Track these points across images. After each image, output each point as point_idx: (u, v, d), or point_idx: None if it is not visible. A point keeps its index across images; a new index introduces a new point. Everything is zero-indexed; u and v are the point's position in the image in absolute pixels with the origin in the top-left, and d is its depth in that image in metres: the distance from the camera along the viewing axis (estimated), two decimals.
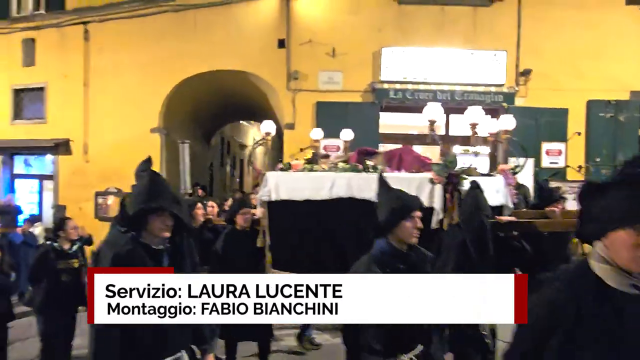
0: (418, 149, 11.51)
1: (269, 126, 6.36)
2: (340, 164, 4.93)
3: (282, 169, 5.24)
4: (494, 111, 10.95)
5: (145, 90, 11.28)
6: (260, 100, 12.57)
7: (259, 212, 5.22)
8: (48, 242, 5.26)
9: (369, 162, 4.61)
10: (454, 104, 10.32)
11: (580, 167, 10.34)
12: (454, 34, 10.42)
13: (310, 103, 10.56)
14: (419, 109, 10.67)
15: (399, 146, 11.50)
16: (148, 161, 2.92)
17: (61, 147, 12.02)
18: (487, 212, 3.80)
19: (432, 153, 9.34)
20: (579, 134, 10.32)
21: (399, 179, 4.15)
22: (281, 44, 10.58)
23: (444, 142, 10.99)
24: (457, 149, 10.86)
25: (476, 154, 5.67)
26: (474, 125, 5.11)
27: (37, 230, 9.92)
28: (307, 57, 10.51)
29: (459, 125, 11.28)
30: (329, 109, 10.45)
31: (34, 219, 10.15)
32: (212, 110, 14.53)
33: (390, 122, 11.16)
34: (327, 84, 10.57)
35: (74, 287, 5.13)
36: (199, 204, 5.92)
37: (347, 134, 7.57)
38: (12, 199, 11.80)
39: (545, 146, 10.34)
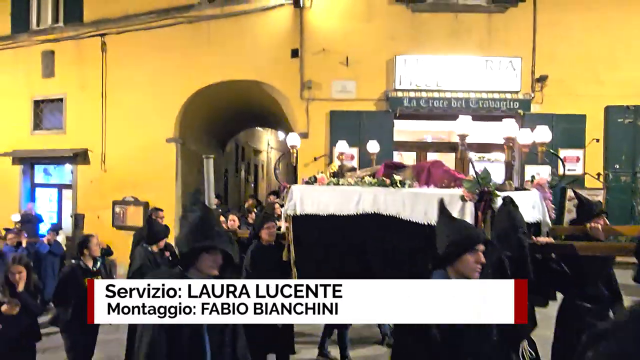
0: (433, 156, 11.48)
1: (294, 139, 6.17)
2: (367, 178, 4.77)
3: (307, 183, 5.12)
4: (509, 118, 10.86)
5: (160, 100, 11.42)
6: (274, 108, 12.63)
7: (283, 225, 5.15)
8: (73, 261, 5.12)
9: (397, 177, 4.41)
10: (469, 112, 10.24)
11: (599, 174, 10.15)
12: (468, 41, 10.35)
13: (324, 112, 10.55)
14: (434, 117, 10.77)
15: (413, 154, 11.55)
16: (197, 193, 2.84)
17: (80, 157, 12.23)
18: (524, 229, 3.56)
19: (447, 160, 9.27)
20: (597, 140, 10.14)
21: (427, 195, 4.06)
22: (294, 53, 10.61)
23: (459, 149, 10.92)
24: (472, 155, 10.83)
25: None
26: (508, 140, 4.85)
27: (60, 238, 10.03)
28: (320, 67, 10.52)
29: (475, 131, 11.19)
30: (343, 118, 10.45)
31: (57, 228, 10.18)
32: (227, 119, 14.65)
33: (404, 130, 11.11)
34: (341, 93, 10.57)
35: None
36: (222, 217, 5.90)
37: (373, 146, 7.27)
38: (33, 207, 12.02)
39: (563, 153, 10.14)
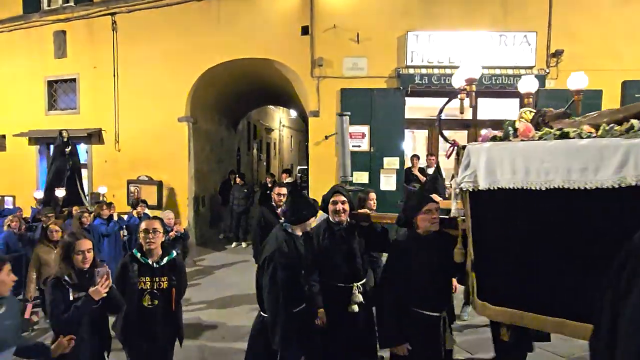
0: (444, 133, 11.32)
1: (529, 83, 3.89)
2: (636, 122, 2.48)
3: (495, 139, 3.10)
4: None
5: (172, 79, 11.45)
6: (285, 87, 12.59)
7: (454, 207, 3.36)
8: (134, 252, 3.87)
9: None
10: (482, 88, 10.11)
11: None
12: (482, 15, 10.13)
13: (335, 90, 10.50)
14: (446, 94, 10.55)
15: (425, 131, 11.39)
16: None
17: (94, 136, 12.38)
18: None
19: (460, 138, 9.15)
20: None
21: None
22: (305, 30, 10.50)
23: (472, 126, 10.79)
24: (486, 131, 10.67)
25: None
26: None
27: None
28: (331, 44, 10.42)
29: (488, 109, 11.06)
30: (354, 95, 10.39)
31: (142, 201, 9.27)
32: (238, 97, 14.65)
33: (415, 107, 11.01)
34: (352, 70, 10.47)
35: (160, 316, 3.79)
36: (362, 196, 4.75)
37: (474, 70, 5.46)
38: None
39: None
